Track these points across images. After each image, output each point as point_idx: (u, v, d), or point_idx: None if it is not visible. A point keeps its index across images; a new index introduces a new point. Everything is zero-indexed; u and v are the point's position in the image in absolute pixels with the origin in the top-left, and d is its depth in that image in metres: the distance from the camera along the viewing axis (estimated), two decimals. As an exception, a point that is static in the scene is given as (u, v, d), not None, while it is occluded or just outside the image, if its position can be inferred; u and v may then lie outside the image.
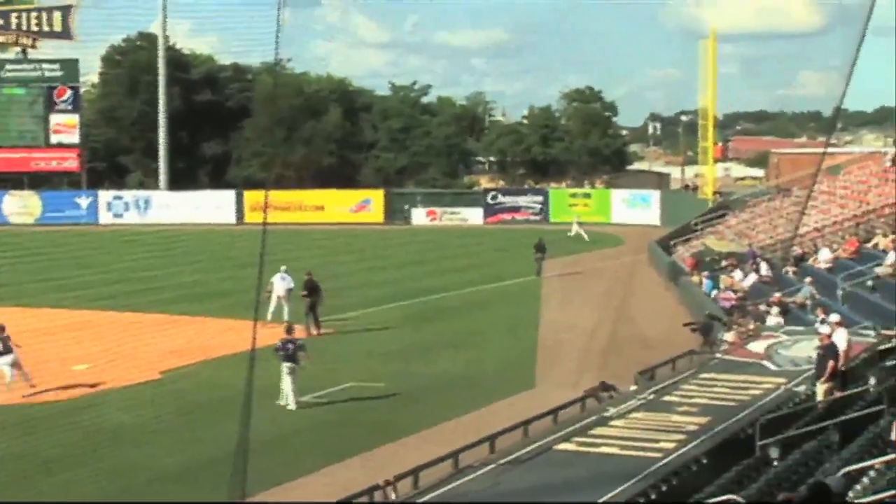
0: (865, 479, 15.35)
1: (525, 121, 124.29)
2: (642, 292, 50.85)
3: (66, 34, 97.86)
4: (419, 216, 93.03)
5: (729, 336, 32.82)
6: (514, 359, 36.46)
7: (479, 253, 70.03)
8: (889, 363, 25.00)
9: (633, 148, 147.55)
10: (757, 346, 30.84)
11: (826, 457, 17.58)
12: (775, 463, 18.11)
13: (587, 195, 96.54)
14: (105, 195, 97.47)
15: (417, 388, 31.90)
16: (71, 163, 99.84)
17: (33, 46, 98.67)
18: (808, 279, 40.72)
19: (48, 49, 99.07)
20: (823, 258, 45.17)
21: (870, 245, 44.57)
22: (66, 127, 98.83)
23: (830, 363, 23.82)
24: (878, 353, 27.45)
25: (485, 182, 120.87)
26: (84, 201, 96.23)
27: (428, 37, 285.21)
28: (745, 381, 26.57)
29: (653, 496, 18.11)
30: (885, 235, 43.88)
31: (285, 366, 29.42)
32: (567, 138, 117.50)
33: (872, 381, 22.66)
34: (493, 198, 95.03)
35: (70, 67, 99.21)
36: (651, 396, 25.43)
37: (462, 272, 58.52)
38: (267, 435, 24.51)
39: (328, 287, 46.69)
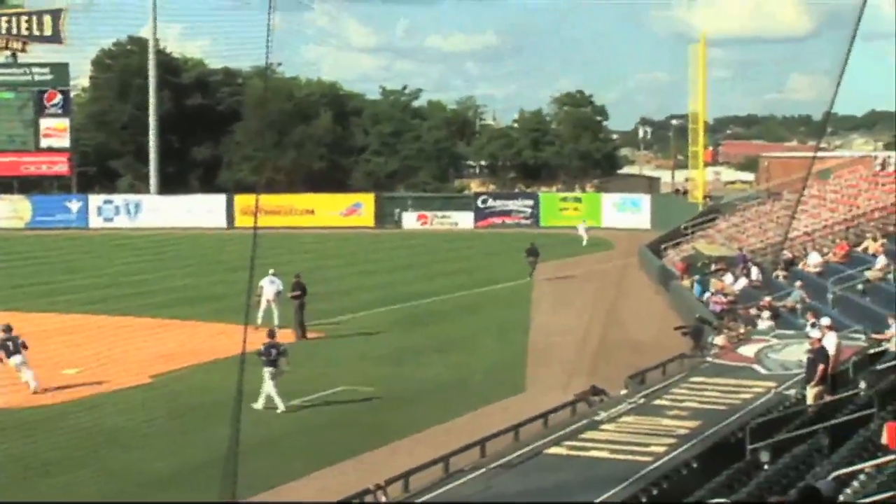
0: (856, 483, 15.36)
1: (516, 125, 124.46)
2: (633, 296, 50.85)
3: (56, 38, 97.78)
4: (410, 220, 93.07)
5: (719, 340, 32.85)
6: (504, 363, 36.46)
7: (469, 257, 70.06)
8: (879, 367, 25.04)
9: (624, 152, 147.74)
10: (747, 350, 30.89)
11: (816, 460, 17.60)
12: (766, 467, 18.12)
13: (578, 199, 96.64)
14: (95, 199, 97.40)
15: (408, 391, 31.90)
16: (61, 167, 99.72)
17: (23, 50, 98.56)
18: (798, 283, 40.78)
19: (38, 53, 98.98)
20: (813, 262, 45.25)
21: (860, 249, 44.64)
22: (56, 131, 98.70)
23: (820, 367, 23.85)
24: (868, 356, 27.51)
25: (475, 186, 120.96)
26: (74, 205, 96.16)
27: (419, 41, 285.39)
28: (735, 385, 26.61)
29: (643, 500, 18.11)
30: (874, 239, 43.95)
31: (267, 370, 29.35)
32: (558, 142, 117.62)
33: (862, 384, 22.70)
34: (484, 202, 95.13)
35: (60, 71, 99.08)
36: (641, 400, 25.46)
37: (453, 276, 58.54)
38: (257, 438, 24.53)
39: (319, 291, 46.75)
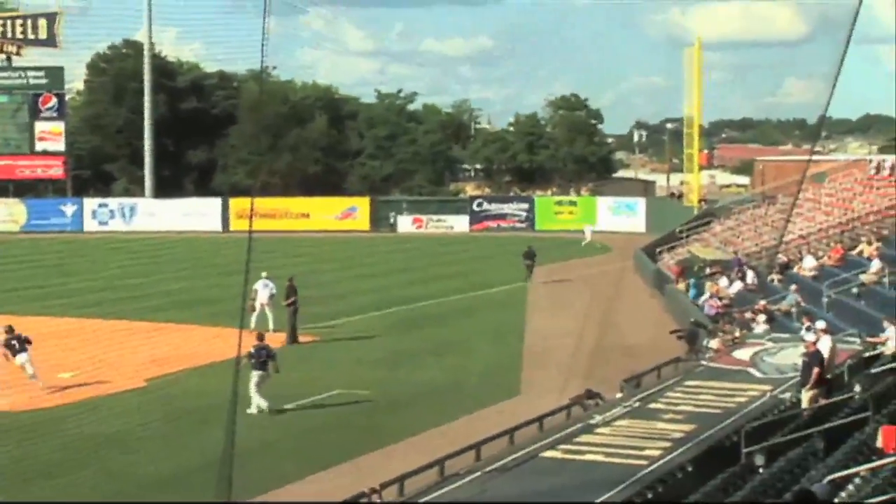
0: (851, 487, 15.38)
1: (511, 128, 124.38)
2: (628, 300, 50.90)
3: (51, 42, 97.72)
4: (405, 224, 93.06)
5: (714, 343, 32.85)
6: (499, 366, 36.47)
7: (464, 260, 70.05)
8: (874, 370, 25.06)
9: (619, 155, 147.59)
10: (742, 354, 30.90)
11: (811, 464, 17.60)
12: (761, 470, 18.13)
13: (573, 203, 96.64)
14: (90, 203, 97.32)
15: (403, 395, 31.91)
16: (56, 170, 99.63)
17: (18, 54, 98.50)
18: (793, 287, 40.81)
19: (33, 56, 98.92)
20: (808, 265, 45.27)
21: (854, 252, 44.68)
22: (51, 134, 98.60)
23: (815, 370, 23.85)
24: (863, 360, 27.52)
25: (470, 189, 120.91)
26: (69, 209, 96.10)
27: (414, 45, 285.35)
28: (730, 389, 26.61)
29: (638, 503, 18.13)
30: (869, 243, 43.98)
31: (255, 373, 29.27)
32: (553, 146, 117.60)
33: (857, 388, 22.72)
34: (479, 205, 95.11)
35: (55, 75, 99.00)
36: (636, 404, 25.46)
37: (448, 280, 58.52)
38: (253, 442, 24.52)
39: (314, 295, 46.81)
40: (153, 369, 34.93)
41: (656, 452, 21.12)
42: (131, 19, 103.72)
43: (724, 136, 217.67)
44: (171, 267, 66.79)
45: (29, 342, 32.39)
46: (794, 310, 38.36)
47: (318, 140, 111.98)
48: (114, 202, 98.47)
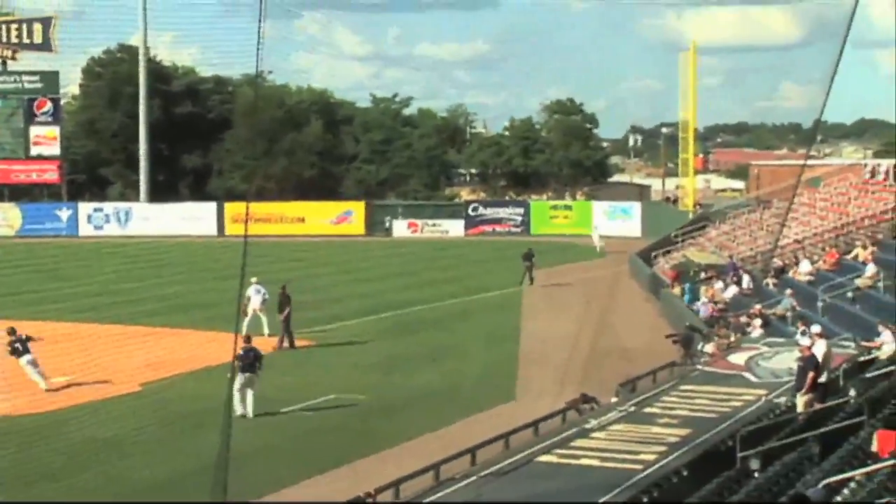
0: (846, 491, 15.39)
1: (506, 133, 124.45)
2: (623, 304, 50.90)
3: (46, 46, 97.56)
4: (400, 228, 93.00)
5: (709, 348, 32.89)
6: (495, 370, 36.47)
7: (460, 265, 70.00)
8: (869, 374, 25.09)
9: (614, 160, 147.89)
10: (737, 358, 30.95)
11: (806, 468, 17.62)
12: (756, 474, 18.15)
13: (568, 207, 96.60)
14: (85, 207, 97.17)
15: (398, 399, 31.89)
16: (51, 175, 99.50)
17: (13, 58, 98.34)
18: (788, 291, 40.84)
19: (28, 61, 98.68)
20: (804, 270, 45.30)
21: (850, 257, 44.72)
22: (46, 139, 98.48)
23: (810, 375, 23.87)
24: (858, 364, 27.56)
25: (466, 194, 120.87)
26: (64, 213, 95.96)
27: (409, 49, 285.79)
28: (725, 393, 26.64)
29: (634, 508, 18.16)
30: (864, 247, 44.03)
31: (241, 376, 29.18)
32: (548, 150, 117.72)
33: (852, 392, 22.75)
34: (475, 210, 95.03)
35: (50, 79, 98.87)
36: (632, 408, 25.49)
37: (443, 284, 58.52)
38: (248, 446, 24.51)
39: (309, 299, 46.82)
40: (148, 373, 34.91)
41: (652, 457, 21.13)
42: (127, 24, 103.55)
43: (719, 140, 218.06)
44: (167, 271, 66.74)
45: (32, 340, 33.19)
46: (789, 314, 38.39)
47: (313, 144, 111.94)
48: (109, 206, 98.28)
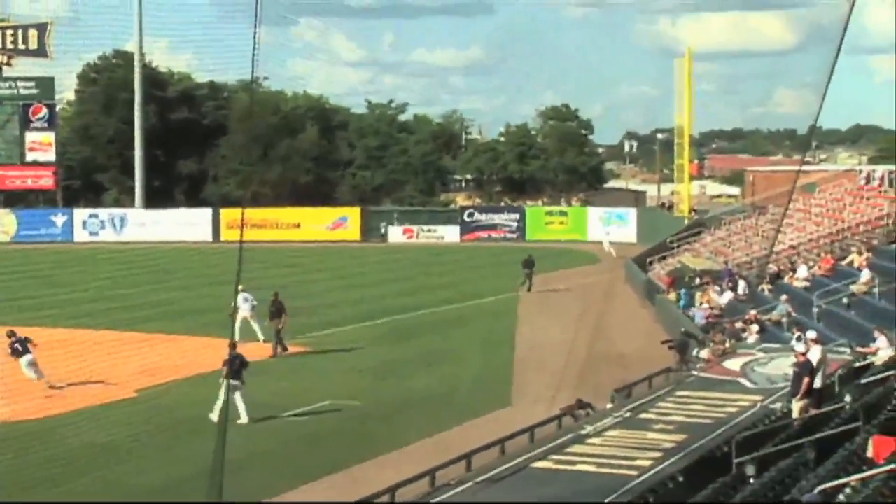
0: (841, 497, 15.36)
1: (502, 139, 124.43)
2: (619, 310, 50.93)
3: (41, 52, 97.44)
4: (396, 234, 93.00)
5: (705, 354, 32.90)
6: (490, 376, 36.47)
7: (455, 271, 70.02)
8: (864, 380, 25.09)
9: (610, 166, 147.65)
10: (733, 364, 30.97)
11: (802, 474, 17.60)
12: (751, 480, 18.13)
13: (564, 213, 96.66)
14: (81, 213, 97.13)
15: (394, 405, 31.89)
16: (46, 181, 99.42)
17: (8, 64, 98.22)
18: (783, 297, 40.86)
19: (24, 67, 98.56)
20: (802, 275, 45.34)
21: (845, 263, 44.75)
22: (41, 145, 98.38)
23: (805, 380, 23.87)
24: (854, 370, 27.56)
25: (461, 200, 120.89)
26: (59, 219, 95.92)
27: (405, 55, 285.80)
28: (721, 399, 26.66)
29: (629, 514, 18.15)
30: (859, 253, 44.07)
31: (228, 382, 29.08)
32: (543, 156, 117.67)
33: (848, 398, 22.74)
34: (470, 215, 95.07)
35: (46, 85, 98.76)
36: (627, 414, 25.50)
37: (439, 290, 58.53)
38: (244, 453, 24.50)
39: (305, 305, 46.79)
40: (143, 380, 34.88)
41: (647, 463, 21.14)
42: (122, 30, 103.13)
43: (714, 146, 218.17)
44: (162, 277, 66.66)
45: (31, 342, 33.80)
46: (784, 320, 38.42)
47: (308, 150, 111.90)
48: (104, 212, 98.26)
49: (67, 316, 48.78)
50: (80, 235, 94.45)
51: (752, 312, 39.32)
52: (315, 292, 55.91)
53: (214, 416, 28.29)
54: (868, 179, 58.67)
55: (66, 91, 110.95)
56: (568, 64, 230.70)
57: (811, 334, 27.88)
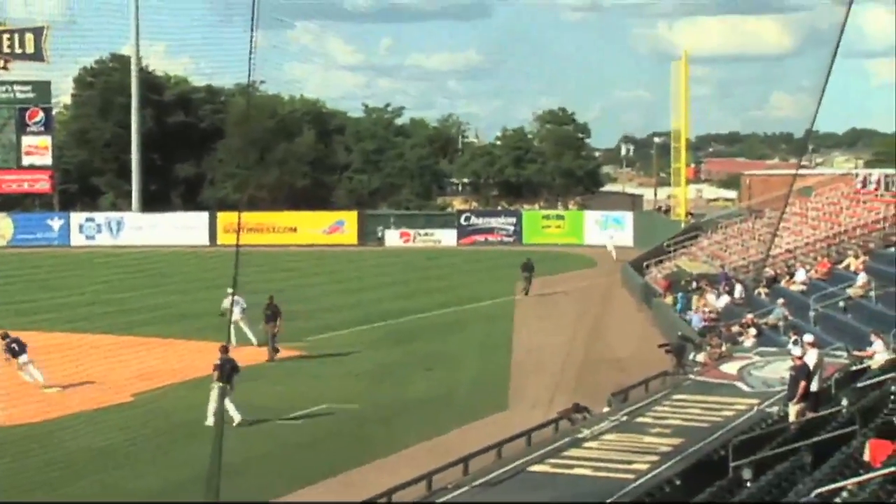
0: (838, 500, 15.38)
1: (498, 142, 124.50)
2: (615, 313, 50.94)
3: (38, 56, 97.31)
4: (392, 238, 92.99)
5: (701, 357, 32.90)
6: (487, 380, 36.48)
7: (452, 274, 70.01)
8: (861, 384, 25.10)
9: (606, 169, 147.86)
10: (730, 368, 30.97)
11: (799, 478, 17.61)
12: (748, 484, 18.13)
13: (560, 217, 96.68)
14: (77, 217, 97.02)
15: (391, 409, 31.89)
16: (43, 184, 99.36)
17: (5, 68, 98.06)
18: (780, 300, 40.88)
19: (20, 70, 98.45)
20: (800, 279, 45.37)
21: (841, 266, 44.78)
22: (38, 149, 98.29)
23: (802, 384, 23.87)
24: (850, 373, 27.57)
25: (458, 203, 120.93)
26: (56, 223, 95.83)
27: (401, 59, 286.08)
28: (717, 403, 26.66)
29: (626, 517, 18.15)
30: (856, 257, 44.10)
31: (218, 385, 29.11)
32: (540, 160, 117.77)
33: (844, 401, 22.75)
34: (467, 219, 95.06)
35: (42, 89, 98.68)
36: (624, 418, 25.49)
37: (435, 294, 58.54)
38: (240, 456, 24.47)
39: (301, 309, 46.80)
40: (140, 384, 34.85)
41: (644, 466, 21.14)
42: (118, 33, 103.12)
43: (711, 150, 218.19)
44: (158, 281, 66.59)
45: (24, 345, 34.21)
46: (781, 323, 38.44)
47: (305, 154, 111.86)
48: (101, 216, 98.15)
49: (64, 320, 48.74)
50: (77, 239, 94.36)
51: (749, 316, 39.33)
52: (312, 296, 55.91)
53: (210, 421, 28.35)
54: (864, 183, 58.72)
55: (63, 95, 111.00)
56: (565, 67, 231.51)
57: (808, 338, 27.86)
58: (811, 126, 23.37)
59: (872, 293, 38.36)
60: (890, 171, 58.20)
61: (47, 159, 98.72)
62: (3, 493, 23.61)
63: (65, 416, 30.65)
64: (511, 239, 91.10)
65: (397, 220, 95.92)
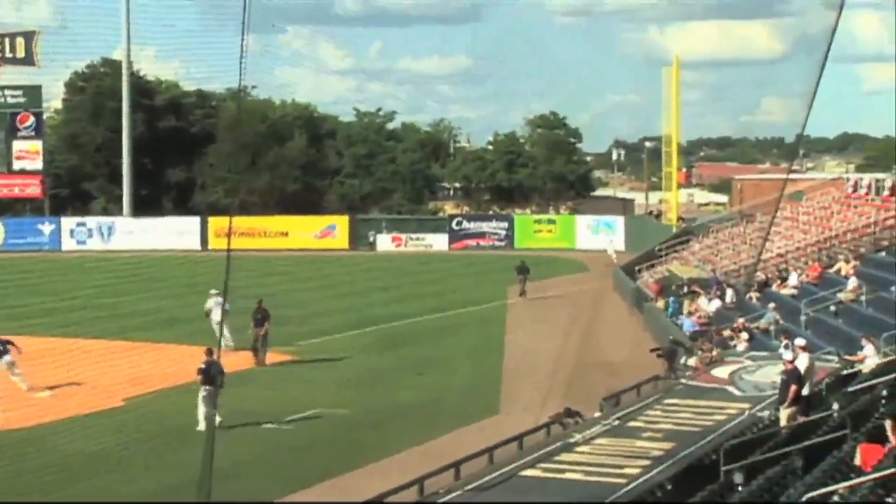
0: (829, 504, 15.41)
1: (490, 147, 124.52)
2: (607, 318, 50.92)
3: (29, 60, 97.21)
4: (384, 242, 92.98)
5: (692, 361, 32.95)
6: (479, 385, 36.48)
7: (444, 279, 70.02)
8: (852, 388, 25.15)
9: (598, 174, 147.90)
10: (721, 372, 31.02)
11: (790, 482, 17.63)
12: (739, 488, 18.15)
13: (552, 221, 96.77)
14: (68, 222, 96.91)
15: (382, 414, 31.88)
16: (34, 189, 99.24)
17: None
18: (771, 305, 40.93)
19: (11, 75, 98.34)
20: (792, 283, 45.45)
21: (832, 271, 44.85)
22: (28, 153, 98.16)
23: (793, 388, 23.91)
24: (841, 378, 27.63)
25: (450, 208, 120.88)
26: (47, 228, 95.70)
27: (393, 63, 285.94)
28: (709, 407, 26.70)
29: (618, 522, 18.16)
30: (847, 261, 44.18)
31: (204, 389, 29.13)
32: (532, 164, 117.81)
33: (835, 406, 22.78)
34: (458, 224, 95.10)
35: (33, 93, 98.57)
36: (616, 422, 25.53)
37: (427, 298, 58.53)
38: (231, 461, 24.46)
39: (293, 314, 46.79)
40: (132, 388, 34.82)
41: (636, 471, 21.16)
42: (110, 38, 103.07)
43: (702, 154, 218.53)
44: (150, 286, 66.47)
45: (12, 344, 34.22)
46: (772, 328, 38.49)
47: (297, 158, 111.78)
48: (92, 221, 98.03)
49: (56, 324, 48.65)
50: (68, 244, 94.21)
51: (740, 320, 39.39)
52: (303, 301, 55.87)
53: (201, 426, 28.37)
54: (855, 188, 58.85)
55: (54, 99, 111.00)
56: (556, 72, 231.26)
57: (799, 342, 27.93)
58: (802, 130, 23.41)
59: (863, 297, 38.43)
60: (881, 175, 58.39)
61: (38, 164, 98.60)
62: (7, 495, 23.62)
63: (58, 421, 30.61)
64: (503, 243, 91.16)
65: (389, 225, 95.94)
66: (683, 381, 30.49)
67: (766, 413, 25.25)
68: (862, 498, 15.12)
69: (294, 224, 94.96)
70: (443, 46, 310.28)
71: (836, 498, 15.45)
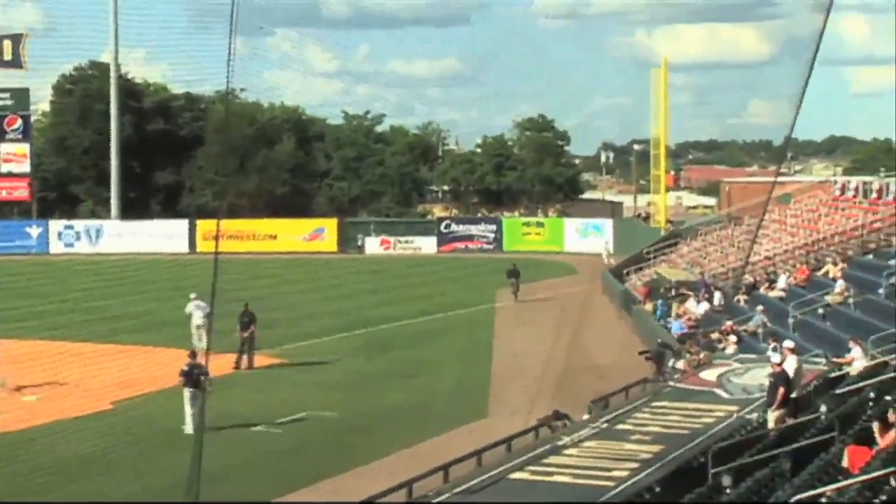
0: (817, 506, 15.43)
1: (478, 150, 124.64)
2: (595, 321, 50.94)
3: (16, 63, 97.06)
4: (373, 245, 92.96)
5: (680, 364, 32.96)
6: (467, 388, 36.49)
7: (432, 282, 70.04)
8: (839, 391, 25.18)
9: (586, 176, 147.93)
10: (709, 375, 31.02)
11: (778, 484, 17.66)
12: (728, 491, 18.17)
13: (540, 224, 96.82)
14: (56, 225, 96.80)
15: (371, 417, 31.88)
16: (21, 192, 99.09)
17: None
18: (759, 307, 40.99)
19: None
20: (781, 285, 45.52)
21: (820, 273, 44.92)
22: (16, 156, 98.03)
23: (781, 390, 23.93)
24: (829, 380, 27.66)
25: (438, 211, 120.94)
26: (34, 231, 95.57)
27: (381, 66, 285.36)
28: (697, 410, 26.71)
29: (607, 524, 18.17)
30: (834, 264, 44.24)
31: (188, 391, 29.12)
32: (520, 167, 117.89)
33: (823, 408, 22.81)
34: (447, 227, 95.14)
35: (20, 96, 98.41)
36: (604, 425, 25.52)
37: (416, 301, 58.52)
38: (220, 463, 24.42)
39: (281, 317, 46.75)
40: (119, 392, 34.77)
41: (624, 473, 21.16)
42: (97, 40, 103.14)
43: (690, 157, 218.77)
44: (138, 289, 66.38)
45: None
46: (760, 330, 38.54)
47: (285, 161, 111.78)
48: (80, 224, 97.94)
49: (44, 327, 48.57)
50: (56, 247, 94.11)
51: (728, 323, 39.45)
52: (292, 304, 55.85)
53: (189, 429, 28.35)
54: (843, 190, 58.95)
55: (42, 102, 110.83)
56: (544, 75, 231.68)
57: (787, 344, 27.97)
58: (790, 133, 23.48)
59: (851, 300, 38.51)
60: (868, 178, 58.45)
61: (25, 167, 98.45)
62: (4, 496, 23.61)
63: (47, 424, 30.55)
64: (491, 246, 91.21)
65: (377, 228, 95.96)
66: (672, 383, 30.49)
67: (754, 415, 25.26)
68: (850, 500, 15.15)
69: (283, 227, 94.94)
70: (431, 49, 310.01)
71: (823, 500, 15.48)
